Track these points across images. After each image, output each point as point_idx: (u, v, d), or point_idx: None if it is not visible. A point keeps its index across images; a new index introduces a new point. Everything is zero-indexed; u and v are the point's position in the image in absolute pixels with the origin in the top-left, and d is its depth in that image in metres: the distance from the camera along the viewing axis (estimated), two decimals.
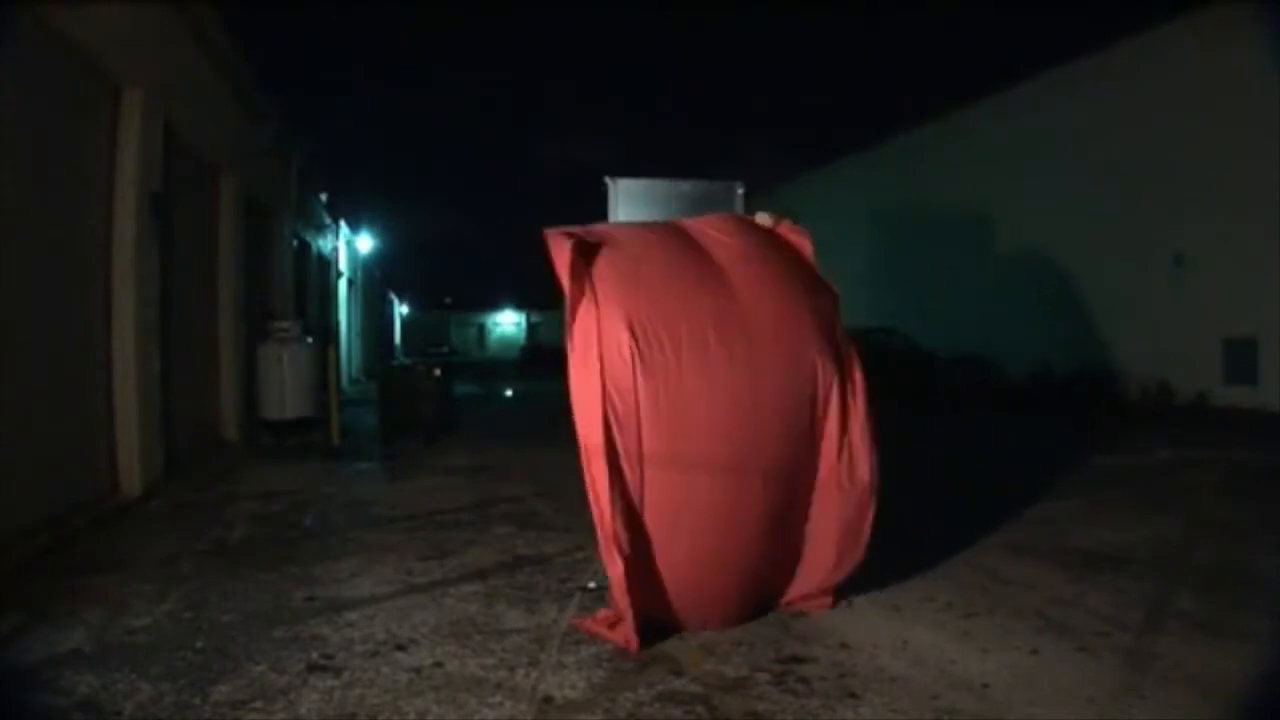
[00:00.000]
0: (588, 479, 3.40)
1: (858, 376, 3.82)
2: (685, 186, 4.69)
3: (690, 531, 3.44)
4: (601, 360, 3.41)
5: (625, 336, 3.40)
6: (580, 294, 3.57)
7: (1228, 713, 2.89)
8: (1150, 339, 15.10)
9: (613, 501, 3.30)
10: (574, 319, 3.59)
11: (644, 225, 4.08)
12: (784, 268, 3.98)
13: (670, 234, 3.97)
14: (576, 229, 3.87)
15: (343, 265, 22.49)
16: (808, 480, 3.70)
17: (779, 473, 3.56)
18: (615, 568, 3.31)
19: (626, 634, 3.37)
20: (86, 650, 3.45)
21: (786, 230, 4.24)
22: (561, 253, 3.58)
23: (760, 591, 3.77)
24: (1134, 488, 7.04)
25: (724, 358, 3.52)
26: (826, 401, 3.70)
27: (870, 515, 3.73)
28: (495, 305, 68.46)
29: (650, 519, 3.38)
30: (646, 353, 3.39)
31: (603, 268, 3.61)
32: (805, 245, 4.21)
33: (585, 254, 3.64)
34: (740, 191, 4.73)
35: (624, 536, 3.29)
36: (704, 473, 3.41)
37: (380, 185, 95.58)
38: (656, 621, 3.55)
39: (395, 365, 16.53)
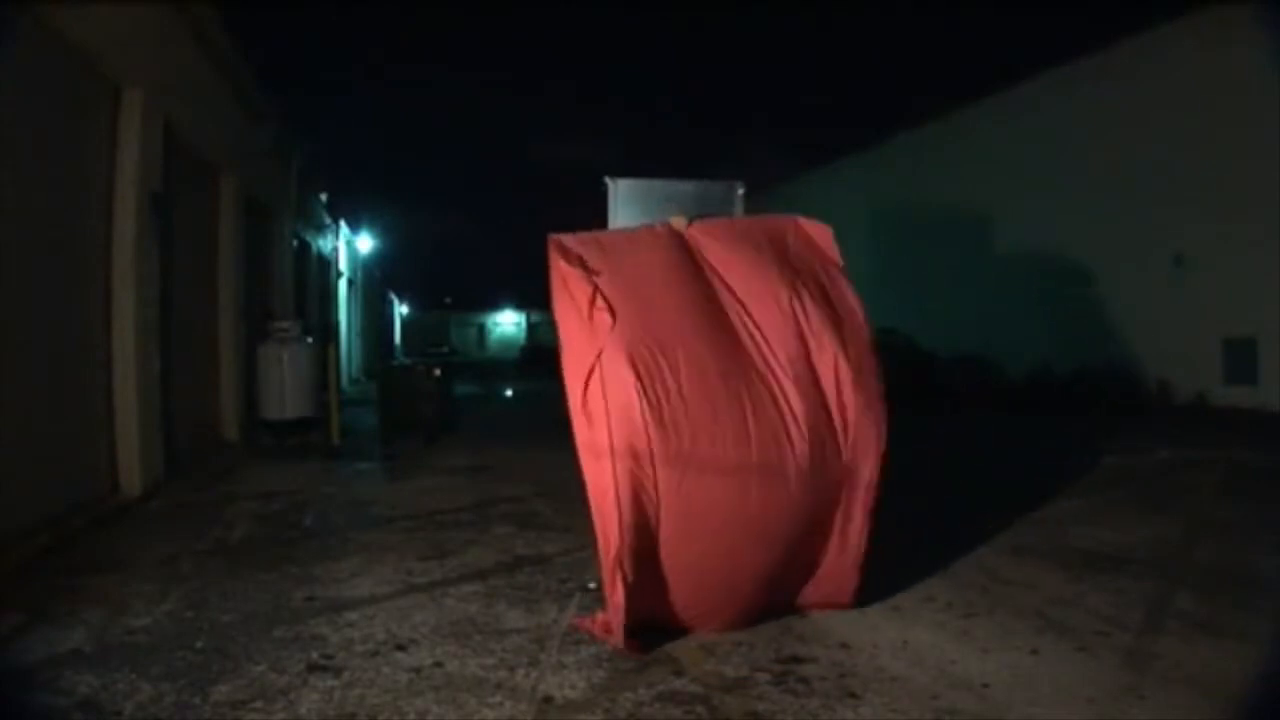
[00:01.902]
0: (592, 493, 3.40)
1: (873, 376, 3.79)
2: (685, 186, 4.68)
3: (701, 537, 3.42)
4: (604, 380, 3.41)
5: (627, 367, 3.40)
6: (576, 311, 3.58)
7: (1228, 713, 2.89)
8: (1150, 339, 15.10)
9: (621, 520, 3.29)
10: (568, 331, 3.60)
11: (642, 233, 4.03)
12: (787, 271, 3.94)
13: (666, 241, 3.93)
14: (575, 238, 3.86)
15: (343, 265, 22.49)
16: (823, 483, 3.67)
17: (790, 475, 3.54)
18: (616, 593, 3.30)
19: (625, 641, 3.39)
20: (86, 650, 3.45)
21: (805, 225, 4.15)
22: (573, 283, 3.61)
23: (776, 594, 3.75)
24: (1134, 488, 7.04)
25: (724, 363, 3.53)
26: (838, 406, 3.67)
27: (869, 517, 3.71)
28: (495, 305, 68.45)
29: (662, 526, 3.37)
30: (645, 369, 3.41)
31: (602, 287, 3.60)
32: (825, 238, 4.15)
33: (581, 266, 3.65)
34: (740, 191, 4.72)
35: (629, 561, 3.29)
36: (715, 476, 3.40)
37: (380, 185, 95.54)
38: (668, 625, 3.56)
39: (395, 365, 16.53)
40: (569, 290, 3.68)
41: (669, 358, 3.46)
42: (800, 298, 3.85)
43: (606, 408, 3.38)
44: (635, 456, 3.32)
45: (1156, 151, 14.89)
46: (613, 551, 3.30)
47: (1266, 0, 11.52)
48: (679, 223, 4.02)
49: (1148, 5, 15.11)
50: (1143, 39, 15.40)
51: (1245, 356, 13.64)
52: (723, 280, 3.84)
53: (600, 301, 3.55)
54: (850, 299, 4.01)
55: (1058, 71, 17.32)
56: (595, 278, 3.63)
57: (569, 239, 3.88)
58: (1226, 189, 13.60)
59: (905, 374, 15.90)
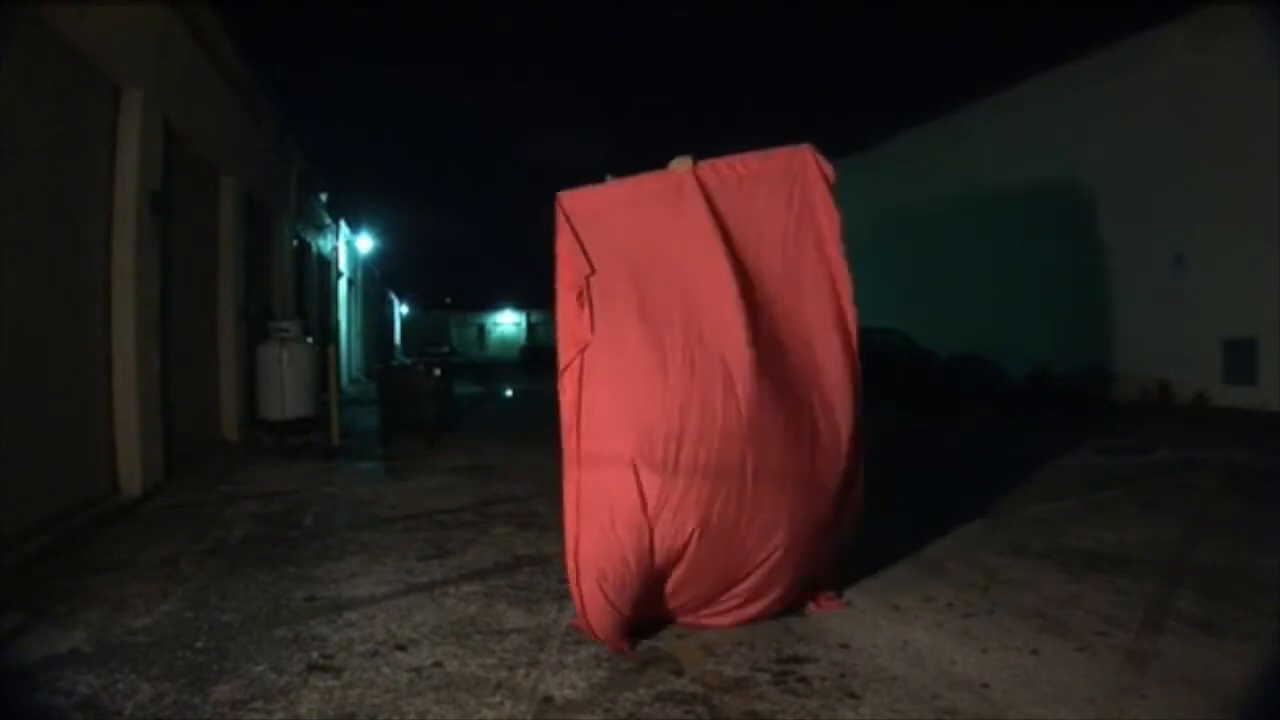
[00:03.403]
0: (571, 502, 3.43)
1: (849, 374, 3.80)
2: None
3: (683, 533, 3.42)
4: (581, 393, 3.48)
5: (609, 380, 3.45)
6: (570, 294, 3.59)
7: (1227, 713, 2.89)
8: (1150, 339, 15.09)
9: (594, 525, 3.34)
10: (563, 305, 3.62)
11: (651, 195, 3.93)
12: (790, 248, 3.89)
13: (673, 207, 3.78)
14: (583, 199, 3.82)
15: (343, 265, 22.48)
16: (821, 480, 3.66)
17: (788, 475, 3.53)
18: (596, 599, 3.36)
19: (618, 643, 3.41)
20: (86, 650, 3.45)
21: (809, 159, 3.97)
22: (568, 274, 3.63)
23: (773, 588, 3.71)
24: (1133, 488, 7.04)
25: (712, 346, 3.53)
26: (827, 404, 3.67)
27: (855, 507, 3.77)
28: (495, 305, 68.49)
29: (651, 527, 3.37)
30: (631, 375, 3.44)
31: (594, 285, 3.60)
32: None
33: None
34: None
35: (612, 579, 3.33)
36: (693, 475, 3.39)
37: (380, 185, 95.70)
38: (658, 619, 3.60)
39: (395, 365, 16.53)
40: (566, 274, 3.68)
41: (656, 354, 3.45)
42: (799, 268, 3.87)
43: (580, 411, 3.46)
44: (619, 462, 3.34)
45: (1156, 152, 14.89)
46: (575, 554, 3.39)
47: (1266, 0, 11.54)
48: (683, 163, 3.87)
49: (1148, 5, 15.10)
50: (1143, 39, 15.39)
51: (1245, 356, 13.63)
52: (726, 244, 3.73)
53: (586, 310, 3.56)
54: (842, 276, 4.02)
55: (1058, 71, 17.30)
56: (589, 275, 3.61)
57: (577, 203, 3.77)
58: (1226, 189, 13.60)
59: (905, 374, 15.97)
